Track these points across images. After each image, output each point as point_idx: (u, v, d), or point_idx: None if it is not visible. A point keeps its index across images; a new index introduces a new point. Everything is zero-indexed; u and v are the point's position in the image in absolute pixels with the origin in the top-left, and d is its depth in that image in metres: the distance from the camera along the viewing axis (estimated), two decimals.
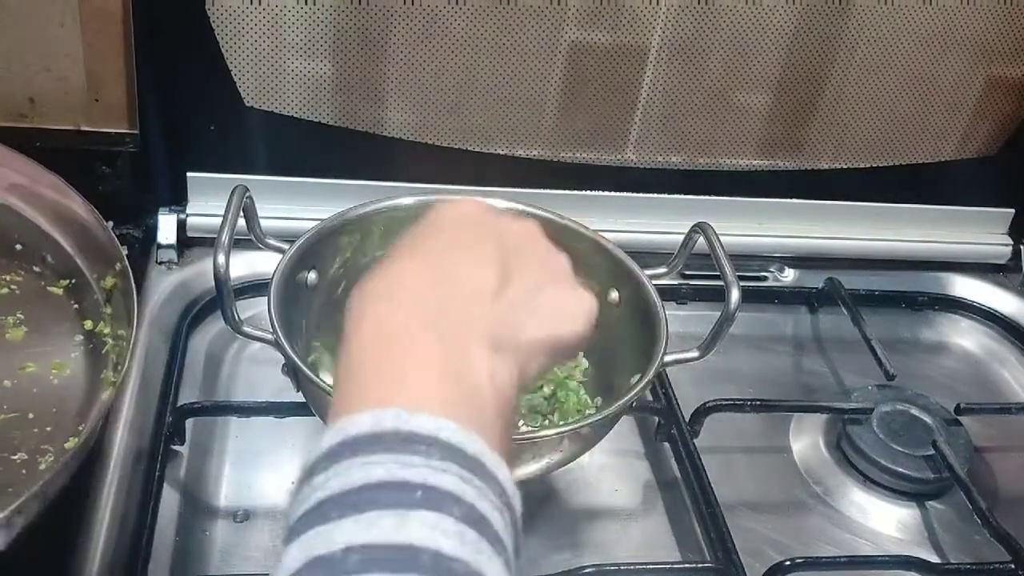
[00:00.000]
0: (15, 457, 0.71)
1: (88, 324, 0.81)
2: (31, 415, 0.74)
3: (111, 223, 0.83)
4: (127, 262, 0.78)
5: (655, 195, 1.03)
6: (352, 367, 0.43)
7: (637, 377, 0.72)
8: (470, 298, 0.46)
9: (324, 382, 0.68)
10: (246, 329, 0.71)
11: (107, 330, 0.80)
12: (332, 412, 0.41)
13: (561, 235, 0.67)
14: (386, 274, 0.46)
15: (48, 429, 0.73)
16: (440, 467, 0.37)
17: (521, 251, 0.50)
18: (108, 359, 0.78)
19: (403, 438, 0.37)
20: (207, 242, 0.96)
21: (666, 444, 0.88)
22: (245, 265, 0.90)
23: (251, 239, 0.78)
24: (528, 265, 0.50)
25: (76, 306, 0.83)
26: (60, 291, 0.83)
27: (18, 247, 0.86)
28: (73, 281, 0.84)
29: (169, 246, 0.96)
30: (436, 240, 0.49)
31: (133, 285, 0.76)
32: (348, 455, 0.37)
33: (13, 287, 0.84)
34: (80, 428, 0.67)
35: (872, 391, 0.94)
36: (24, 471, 0.69)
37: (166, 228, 0.96)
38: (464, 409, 0.40)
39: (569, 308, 0.51)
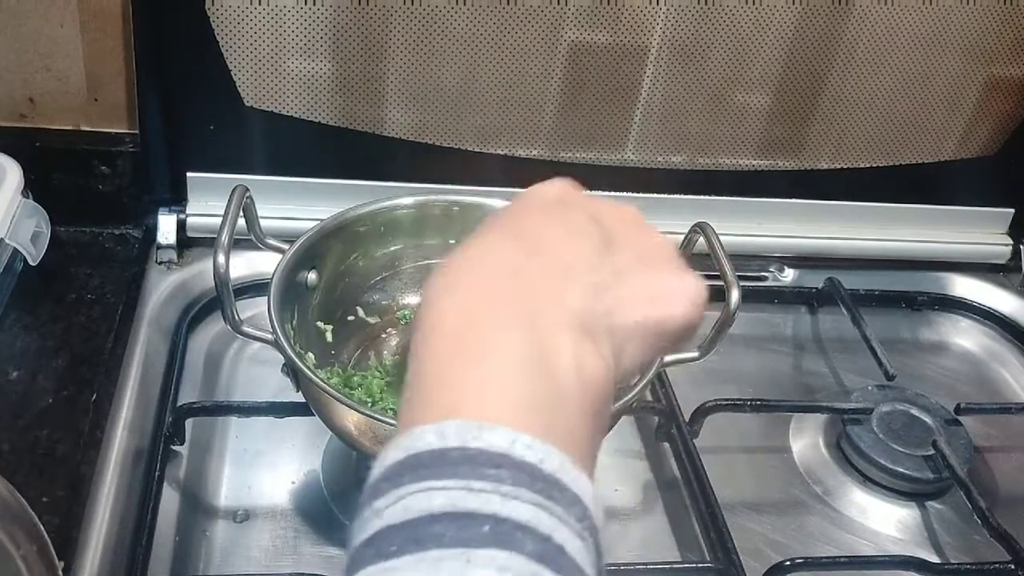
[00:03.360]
0: None
1: None
2: None
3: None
4: None
5: (655, 195, 1.03)
6: (416, 373, 0.38)
7: (637, 377, 0.72)
8: (565, 272, 0.41)
9: (324, 381, 0.68)
10: (246, 329, 0.71)
11: None
12: (398, 423, 0.37)
13: None
14: (462, 257, 0.41)
15: None
16: (511, 493, 0.33)
17: (619, 231, 0.45)
18: None
19: (470, 457, 0.33)
20: (207, 242, 0.96)
21: (666, 444, 0.88)
22: (245, 265, 0.90)
23: (251, 239, 0.78)
24: (627, 243, 0.44)
25: None
26: None
27: None
28: None
29: (169, 246, 0.96)
30: (526, 219, 0.44)
31: None
32: (409, 478, 0.33)
33: None
34: None
35: (872, 391, 0.94)
36: None
37: (166, 228, 0.96)
38: (543, 412, 0.36)
39: (668, 290, 0.44)
